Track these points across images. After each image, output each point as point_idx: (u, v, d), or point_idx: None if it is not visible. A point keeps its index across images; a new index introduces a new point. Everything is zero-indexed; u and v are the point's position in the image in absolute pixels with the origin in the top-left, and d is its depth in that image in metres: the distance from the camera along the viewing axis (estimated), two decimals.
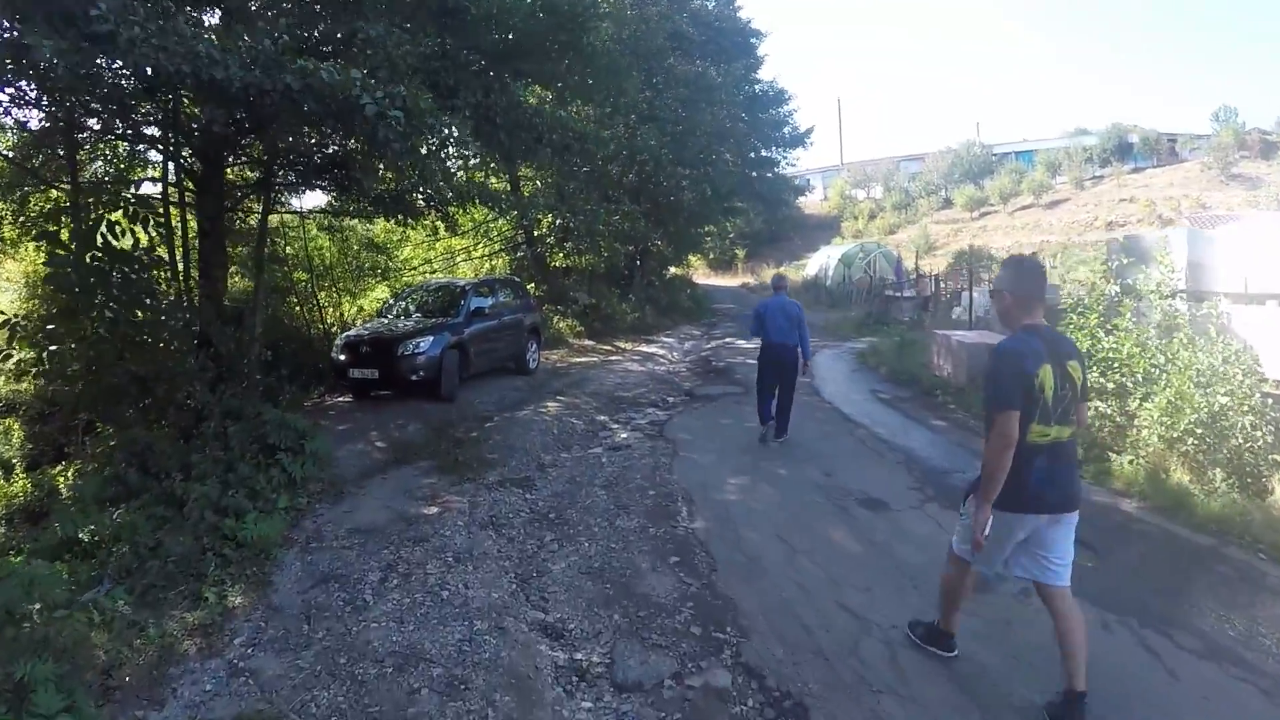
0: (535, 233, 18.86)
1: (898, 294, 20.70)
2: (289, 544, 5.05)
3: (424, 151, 5.70)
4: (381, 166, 7.25)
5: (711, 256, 39.34)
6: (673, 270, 27.53)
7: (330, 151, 7.41)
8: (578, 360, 14.02)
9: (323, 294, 13.14)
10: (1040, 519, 3.07)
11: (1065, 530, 3.12)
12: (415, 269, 17.40)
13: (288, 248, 12.78)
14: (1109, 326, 7.22)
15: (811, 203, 44.84)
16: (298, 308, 12.41)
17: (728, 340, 17.53)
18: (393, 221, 11.80)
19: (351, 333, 10.22)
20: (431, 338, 9.42)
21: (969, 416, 8.59)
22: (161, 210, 7.47)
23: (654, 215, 19.61)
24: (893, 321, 18.23)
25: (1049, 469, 3.01)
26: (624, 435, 8.15)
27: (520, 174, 17.52)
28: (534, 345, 12.30)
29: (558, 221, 17.64)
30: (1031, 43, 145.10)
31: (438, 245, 18.39)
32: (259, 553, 4.75)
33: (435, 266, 18.21)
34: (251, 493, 5.60)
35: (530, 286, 17.68)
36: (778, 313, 7.54)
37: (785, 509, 5.60)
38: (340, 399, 9.89)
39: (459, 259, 19.10)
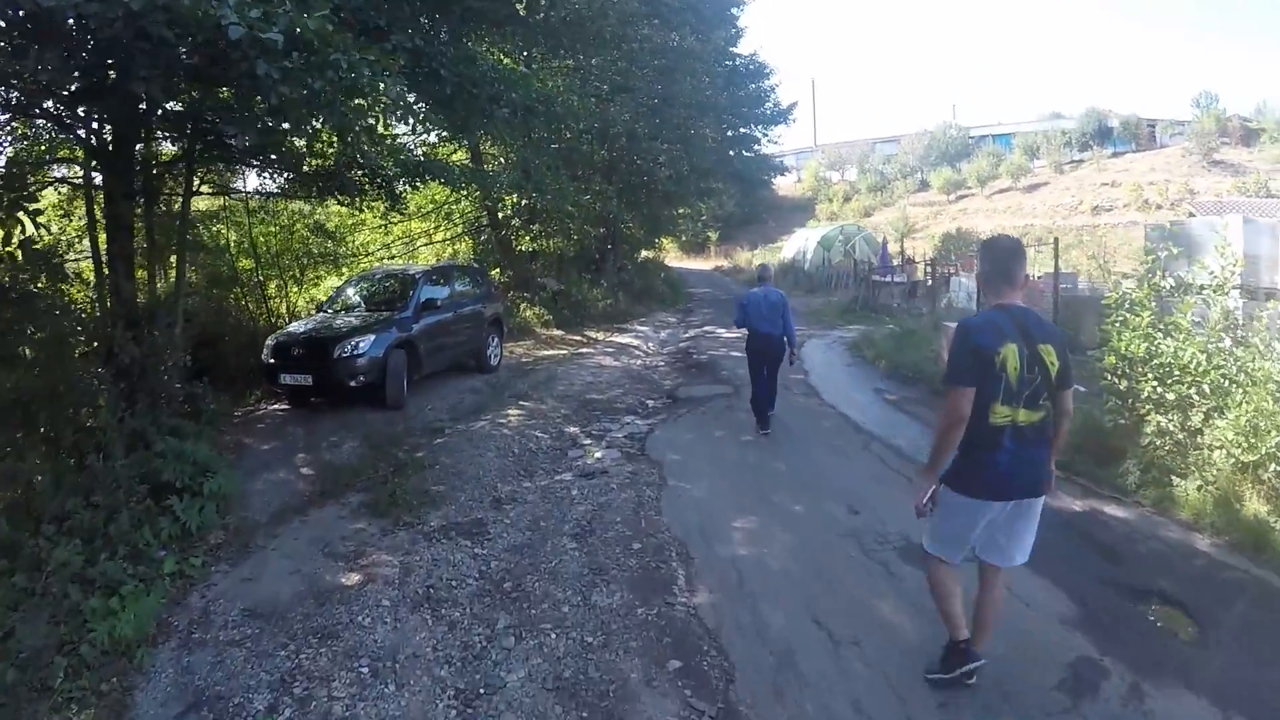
0: (500, 214, 17.42)
1: (886, 279, 19.70)
2: (167, 633, 3.80)
3: (325, 97, 4.25)
4: (270, 121, 5.76)
5: (684, 239, 38.33)
6: (645, 254, 26.24)
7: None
8: (545, 353, 12.78)
9: (271, 285, 11.71)
10: (1007, 505, 3.02)
11: (1028, 518, 3.09)
12: (372, 255, 15.91)
13: (230, 234, 11.30)
14: (1163, 327, 6.20)
15: (786, 184, 44.00)
16: (242, 300, 10.98)
17: (707, 329, 16.39)
18: (336, 202, 10.40)
19: (283, 331, 8.83)
20: (373, 336, 8.10)
21: None
22: (39, 196, 6.05)
23: (627, 195, 18.33)
24: (881, 308, 17.29)
25: (1016, 453, 2.92)
26: (598, 454, 6.92)
27: (483, 150, 16.06)
28: (495, 339, 11.02)
29: (523, 202, 16.22)
30: (1008, 24, 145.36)
31: (395, 229, 16.86)
32: (123, 653, 3.53)
33: (393, 252, 16.75)
34: (133, 553, 4.36)
35: (495, 272, 16.32)
36: (762, 303, 7.48)
37: (811, 568, 4.41)
38: (276, 407, 8.58)
39: (419, 244, 17.62)
